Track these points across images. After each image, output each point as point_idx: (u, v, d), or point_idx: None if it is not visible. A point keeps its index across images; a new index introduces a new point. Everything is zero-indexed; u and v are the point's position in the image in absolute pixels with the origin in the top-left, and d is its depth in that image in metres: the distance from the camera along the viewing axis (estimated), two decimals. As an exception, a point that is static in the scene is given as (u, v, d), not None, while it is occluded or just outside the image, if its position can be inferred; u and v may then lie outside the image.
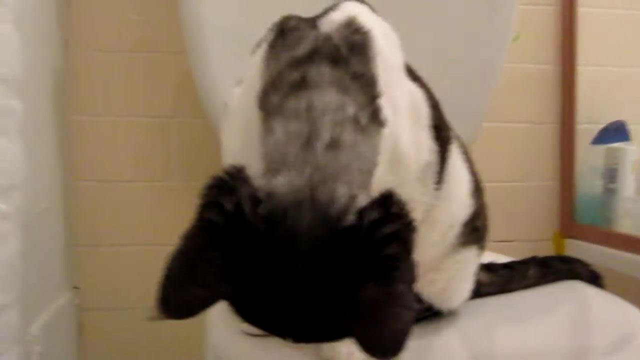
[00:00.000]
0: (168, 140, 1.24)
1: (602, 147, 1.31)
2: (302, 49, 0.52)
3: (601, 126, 1.33)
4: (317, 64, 0.50)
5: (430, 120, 0.60)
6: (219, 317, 0.66)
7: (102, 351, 1.24)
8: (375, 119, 0.50)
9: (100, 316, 1.24)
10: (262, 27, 0.58)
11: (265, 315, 0.46)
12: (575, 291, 0.82)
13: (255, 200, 0.44)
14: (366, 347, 0.43)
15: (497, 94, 1.09)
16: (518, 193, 1.36)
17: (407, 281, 0.43)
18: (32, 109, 0.73)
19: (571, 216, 1.36)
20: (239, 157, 0.54)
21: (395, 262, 0.43)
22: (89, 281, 1.23)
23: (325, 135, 0.47)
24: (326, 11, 0.56)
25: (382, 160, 0.50)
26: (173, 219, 1.22)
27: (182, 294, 0.43)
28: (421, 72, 0.63)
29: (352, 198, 0.44)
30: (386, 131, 0.50)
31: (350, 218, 0.44)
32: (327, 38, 0.52)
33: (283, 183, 0.45)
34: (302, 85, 0.49)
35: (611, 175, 1.28)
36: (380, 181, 0.49)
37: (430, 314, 0.68)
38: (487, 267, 0.80)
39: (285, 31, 0.54)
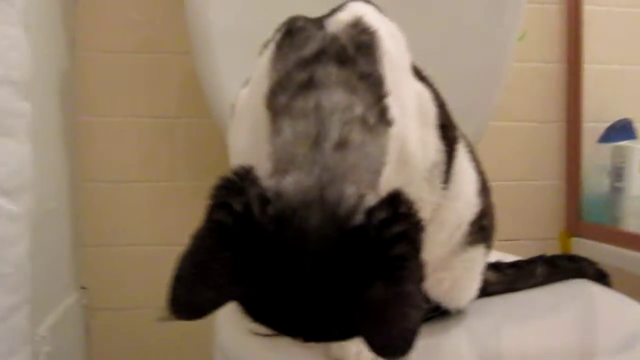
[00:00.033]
0: (174, 141, 1.25)
1: (608, 146, 1.31)
2: (309, 49, 0.52)
3: (607, 124, 1.33)
4: (324, 64, 0.51)
5: (437, 119, 0.60)
6: (227, 316, 0.66)
7: (109, 351, 1.24)
8: (383, 118, 0.50)
9: (108, 316, 1.24)
10: (268, 27, 0.58)
11: (275, 315, 0.46)
12: (582, 290, 0.82)
13: (264, 201, 0.44)
14: (375, 346, 0.43)
15: (503, 93, 1.09)
16: (524, 192, 1.36)
17: (415, 281, 0.43)
18: (38, 110, 0.73)
19: (578, 215, 1.36)
20: (246, 157, 0.54)
21: (404, 261, 0.43)
22: (96, 281, 1.23)
23: (334, 135, 0.47)
24: (333, 11, 0.57)
25: (390, 160, 0.50)
26: (179, 218, 1.23)
27: (192, 295, 0.43)
28: (427, 72, 0.63)
29: (361, 198, 0.45)
30: (393, 131, 0.50)
31: (359, 218, 0.44)
32: (334, 38, 0.52)
33: (292, 183, 0.45)
34: (309, 85, 0.50)
35: (618, 173, 1.28)
36: (388, 181, 0.49)
37: (438, 313, 0.68)
38: (494, 266, 0.80)
39: (292, 31, 0.54)
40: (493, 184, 0.72)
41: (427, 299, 0.66)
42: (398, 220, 0.43)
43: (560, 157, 1.38)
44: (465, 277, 0.69)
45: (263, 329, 0.59)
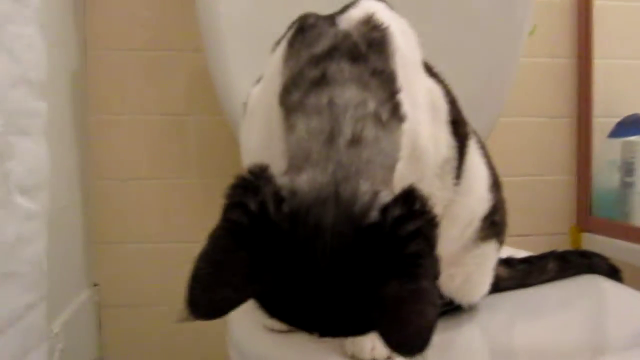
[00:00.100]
0: (185, 138, 1.25)
1: (618, 141, 1.30)
2: (321, 46, 0.52)
3: (618, 119, 1.32)
4: (336, 60, 0.51)
5: (448, 115, 0.60)
6: (241, 312, 0.66)
7: (121, 347, 1.25)
8: (396, 114, 0.50)
9: (120, 313, 1.25)
10: (279, 21, 0.59)
11: (292, 311, 0.46)
12: (594, 285, 0.82)
13: (279, 199, 0.44)
14: (391, 344, 0.43)
15: (513, 88, 1.08)
16: (534, 187, 1.36)
17: (430, 277, 0.43)
18: (50, 109, 0.74)
19: (588, 210, 1.36)
20: (259, 155, 0.54)
21: (419, 259, 0.43)
22: (108, 278, 1.24)
23: (347, 131, 0.47)
24: (344, 8, 0.57)
25: (403, 156, 0.50)
26: (190, 215, 1.24)
27: (210, 295, 0.44)
28: (438, 68, 0.63)
29: (375, 194, 0.45)
30: (406, 126, 0.51)
31: (374, 215, 0.44)
32: (346, 35, 0.53)
33: (306, 180, 0.45)
34: (322, 82, 0.50)
35: (628, 168, 1.27)
36: (401, 176, 0.49)
37: (451, 309, 0.69)
38: (506, 262, 0.80)
39: (305, 29, 0.54)
40: (503, 180, 0.72)
41: (440, 295, 0.66)
42: (413, 217, 0.43)
43: (571, 153, 1.37)
44: (477, 273, 0.69)
45: (278, 326, 0.60)
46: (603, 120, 1.34)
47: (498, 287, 0.75)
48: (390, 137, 0.49)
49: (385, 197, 0.45)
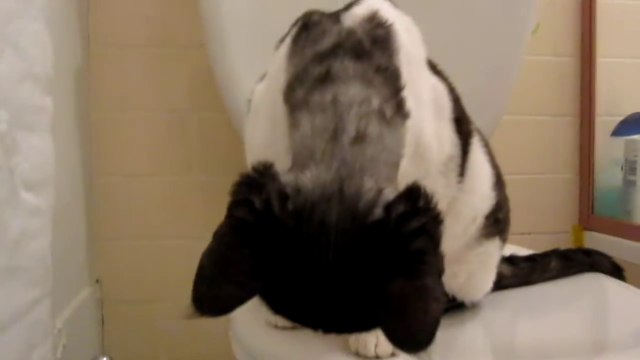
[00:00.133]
0: (187, 135, 1.25)
1: (621, 139, 1.30)
2: (325, 44, 0.52)
3: (620, 118, 1.32)
4: (340, 58, 0.51)
5: (452, 113, 0.60)
6: (244, 309, 0.66)
7: (124, 344, 1.25)
8: (400, 111, 0.50)
9: (122, 309, 1.25)
10: (282, 19, 0.59)
11: (296, 308, 0.47)
12: (596, 284, 0.82)
13: (284, 197, 0.44)
14: (396, 340, 0.43)
15: (516, 87, 1.08)
16: (537, 185, 1.36)
17: (435, 274, 0.43)
18: (54, 105, 0.74)
19: (590, 208, 1.36)
20: (263, 152, 0.54)
21: (423, 255, 0.43)
22: (110, 274, 1.24)
23: (351, 128, 0.47)
24: (348, 6, 0.57)
25: (407, 153, 0.50)
26: (193, 212, 1.24)
27: (216, 293, 0.44)
28: (442, 65, 0.64)
29: (379, 191, 0.45)
30: (410, 123, 0.51)
31: (378, 212, 0.44)
32: (350, 32, 0.53)
33: (310, 178, 0.45)
34: (326, 79, 0.50)
35: (631, 167, 1.27)
36: (405, 173, 0.50)
37: (454, 306, 0.69)
38: (509, 260, 0.80)
39: (309, 26, 0.54)
40: (506, 178, 0.72)
41: (444, 292, 0.67)
42: (417, 214, 0.44)
43: (574, 151, 1.37)
44: (481, 271, 0.69)
45: (281, 322, 0.60)
46: (606, 118, 1.34)
47: (501, 284, 0.75)
48: (394, 134, 0.49)
49: (390, 194, 0.45)
